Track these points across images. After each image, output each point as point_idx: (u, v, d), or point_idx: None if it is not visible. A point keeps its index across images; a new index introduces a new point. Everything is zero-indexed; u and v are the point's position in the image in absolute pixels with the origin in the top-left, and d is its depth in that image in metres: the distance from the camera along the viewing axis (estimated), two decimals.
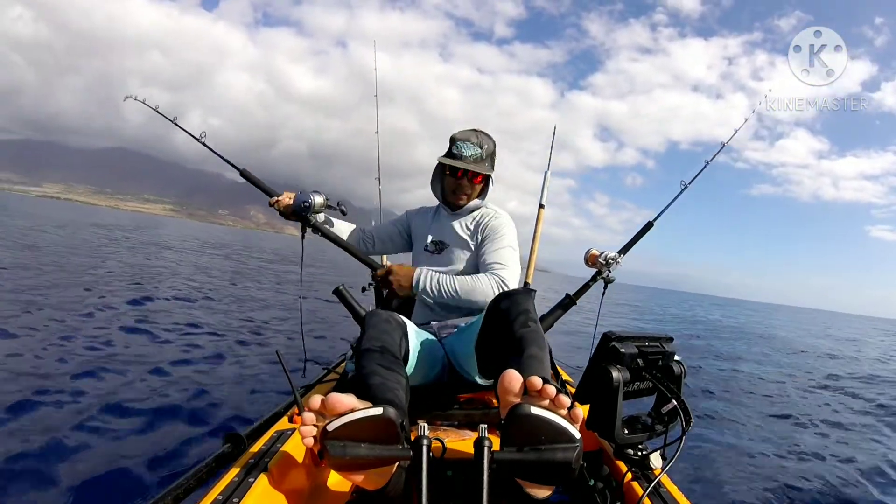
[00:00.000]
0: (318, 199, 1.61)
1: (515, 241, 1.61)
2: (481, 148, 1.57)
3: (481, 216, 1.65)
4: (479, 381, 1.34)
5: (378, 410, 0.72)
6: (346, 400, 0.73)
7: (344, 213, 1.73)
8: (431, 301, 1.54)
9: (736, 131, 2.05)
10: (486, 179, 1.64)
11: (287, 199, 1.65)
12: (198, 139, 1.79)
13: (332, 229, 1.73)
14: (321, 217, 1.71)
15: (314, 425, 0.74)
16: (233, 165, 1.81)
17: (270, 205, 1.69)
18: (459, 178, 1.59)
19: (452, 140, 1.59)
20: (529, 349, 1.02)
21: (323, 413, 0.73)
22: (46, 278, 5.93)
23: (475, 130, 1.62)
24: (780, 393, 3.85)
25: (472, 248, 1.62)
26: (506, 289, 1.44)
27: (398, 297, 1.68)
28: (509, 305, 1.13)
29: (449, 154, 1.58)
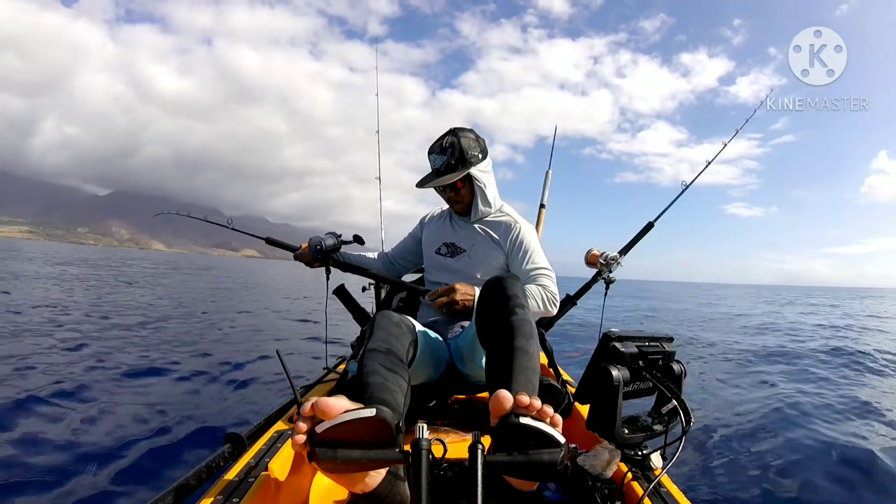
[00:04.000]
0: (330, 241, 1.65)
1: (538, 242, 1.60)
2: (446, 153, 1.51)
3: (504, 224, 1.59)
4: (479, 373, 1.33)
5: (371, 412, 0.69)
6: (336, 403, 0.70)
7: (361, 244, 1.74)
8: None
9: (737, 131, 2.06)
10: (470, 178, 1.54)
11: (305, 247, 1.69)
12: (226, 226, 1.85)
13: (357, 261, 1.76)
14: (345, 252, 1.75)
15: (303, 425, 0.71)
16: (257, 237, 1.86)
17: (295, 258, 1.75)
18: (444, 192, 1.59)
19: (428, 155, 1.57)
20: (516, 339, 1.04)
21: (315, 418, 0.71)
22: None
23: (448, 132, 1.56)
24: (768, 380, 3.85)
25: (497, 252, 1.57)
26: (551, 294, 1.48)
27: (459, 318, 1.54)
28: (498, 290, 1.14)
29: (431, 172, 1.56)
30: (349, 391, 1.26)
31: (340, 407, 0.70)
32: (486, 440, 0.75)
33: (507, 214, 1.62)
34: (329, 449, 0.68)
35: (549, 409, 0.75)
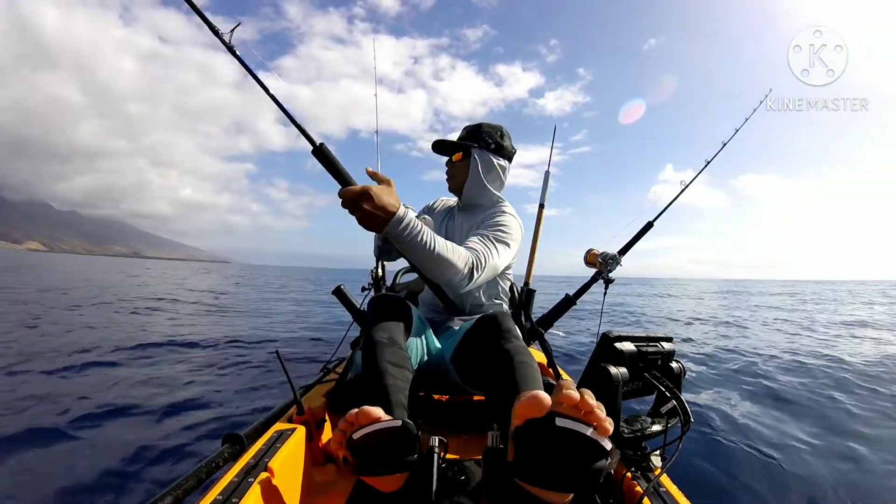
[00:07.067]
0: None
1: (515, 238, 1.40)
2: (467, 130, 1.51)
3: (492, 213, 1.46)
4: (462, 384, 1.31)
5: (397, 422, 0.80)
6: (374, 412, 0.81)
7: None
8: (396, 249, 1.15)
9: (736, 131, 2.05)
10: (468, 153, 1.48)
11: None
12: (224, 41, 1.05)
13: None
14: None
15: (343, 430, 0.81)
16: (306, 135, 1.13)
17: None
18: (447, 165, 1.56)
19: None
20: (519, 356, 1.04)
21: (353, 422, 0.81)
22: None
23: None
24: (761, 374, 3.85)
25: None
26: (480, 269, 1.21)
27: (455, 312, 1.46)
28: (492, 325, 1.14)
29: None
30: (349, 392, 1.27)
31: (375, 416, 0.81)
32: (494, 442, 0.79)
33: (500, 208, 1.49)
34: (362, 453, 0.79)
35: (601, 413, 0.63)
